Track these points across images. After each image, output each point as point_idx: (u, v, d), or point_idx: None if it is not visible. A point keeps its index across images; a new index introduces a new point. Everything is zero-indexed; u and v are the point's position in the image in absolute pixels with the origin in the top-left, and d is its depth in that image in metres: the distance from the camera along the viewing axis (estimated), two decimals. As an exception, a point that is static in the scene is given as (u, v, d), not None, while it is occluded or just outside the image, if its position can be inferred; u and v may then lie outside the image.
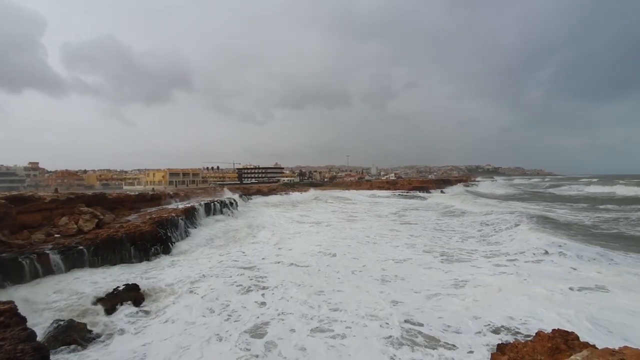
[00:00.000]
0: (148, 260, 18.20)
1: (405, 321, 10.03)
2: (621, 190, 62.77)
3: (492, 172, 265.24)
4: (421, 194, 72.48)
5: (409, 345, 8.68)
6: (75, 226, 18.44)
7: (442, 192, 79.14)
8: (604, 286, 12.02)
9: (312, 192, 74.01)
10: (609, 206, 39.56)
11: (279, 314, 10.89)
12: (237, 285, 13.81)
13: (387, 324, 9.93)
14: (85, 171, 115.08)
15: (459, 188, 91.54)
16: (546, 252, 17.21)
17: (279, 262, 17.58)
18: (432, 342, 8.78)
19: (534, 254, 17.32)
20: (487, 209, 36.86)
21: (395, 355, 8.27)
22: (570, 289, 11.86)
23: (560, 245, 17.92)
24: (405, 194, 75.08)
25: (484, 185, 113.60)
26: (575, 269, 14.52)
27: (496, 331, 9.18)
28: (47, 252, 14.77)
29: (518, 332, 9.01)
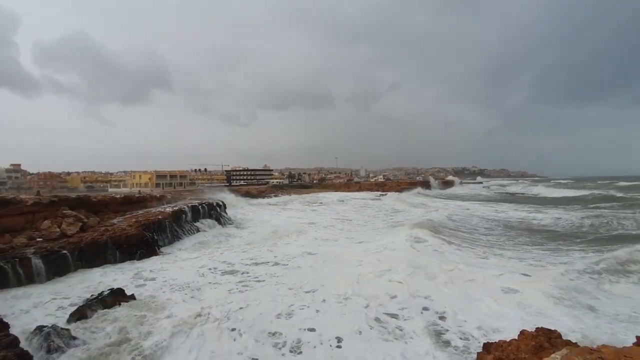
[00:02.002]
0: (134, 263, 17.88)
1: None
2: (566, 192, 72.10)
3: (477, 174, 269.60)
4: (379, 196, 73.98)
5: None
6: (58, 230, 18.00)
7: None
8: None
9: (303, 195, 73.95)
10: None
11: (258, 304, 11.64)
12: (225, 285, 13.89)
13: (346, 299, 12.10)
14: (68, 173, 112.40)
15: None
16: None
17: (267, 262, 17.78)
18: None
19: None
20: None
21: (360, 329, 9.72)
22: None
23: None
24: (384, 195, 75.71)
25: (455, 187, 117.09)
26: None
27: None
28: (29, 256, 14.40)
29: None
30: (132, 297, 12.39)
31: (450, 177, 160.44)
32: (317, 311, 11.18)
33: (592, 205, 42.62)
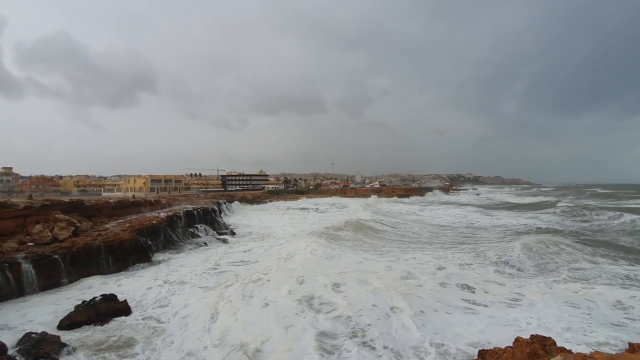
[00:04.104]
0: (127, 270, 17.66)
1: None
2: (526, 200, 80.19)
3: (473, 181, 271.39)
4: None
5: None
6: (50, 234, 17.70)
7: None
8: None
9: (298, 200, 73.83)
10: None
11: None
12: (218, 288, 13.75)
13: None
14: (61, 177, 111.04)
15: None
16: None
17: (257, 261, 17.72)
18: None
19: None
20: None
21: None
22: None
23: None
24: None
25: (447, 194, 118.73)
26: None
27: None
28: (20, 261, 14.13)
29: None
30: (125, 303, 12.22)
31: (436, 184, 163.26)
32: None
33: (526, 211, 49.04)
